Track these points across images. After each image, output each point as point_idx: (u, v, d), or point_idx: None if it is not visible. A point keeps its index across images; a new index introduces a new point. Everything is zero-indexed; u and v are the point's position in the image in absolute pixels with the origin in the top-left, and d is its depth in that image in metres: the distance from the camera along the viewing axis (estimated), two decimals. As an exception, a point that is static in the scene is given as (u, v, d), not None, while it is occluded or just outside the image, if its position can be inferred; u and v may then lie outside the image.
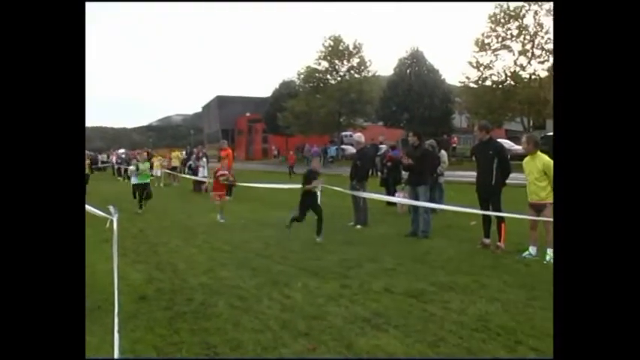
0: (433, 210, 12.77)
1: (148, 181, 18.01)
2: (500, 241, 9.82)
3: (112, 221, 4.94)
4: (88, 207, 4.97)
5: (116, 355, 4.50)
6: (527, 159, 9.34)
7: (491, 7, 44.42)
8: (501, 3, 42.79)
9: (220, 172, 15.34)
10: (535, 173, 9.02)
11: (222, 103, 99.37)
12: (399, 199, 13.99)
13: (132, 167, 19.85)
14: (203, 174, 25.12)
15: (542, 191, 8.91)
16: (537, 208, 9.00)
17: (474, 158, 11.71)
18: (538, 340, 5.26)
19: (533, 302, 6.49)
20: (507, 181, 10.07)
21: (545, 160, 9.02)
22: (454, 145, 50.90)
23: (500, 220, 9.82)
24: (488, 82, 44.53)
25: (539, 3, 41.47)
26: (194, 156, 28.76)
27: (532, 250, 9.07)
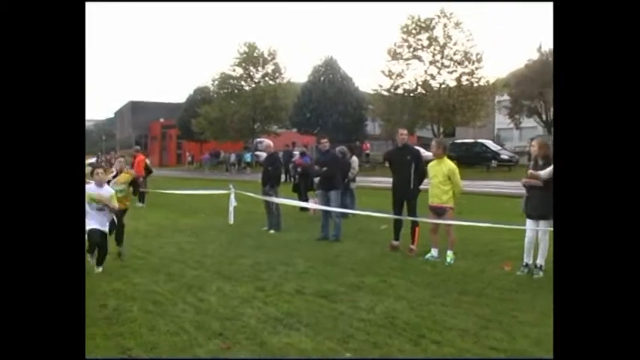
0: (345, 215, 13.15)
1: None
2: (413, 243, 10.21)
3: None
4: None
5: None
6: (432, 163, 9.74)
7: (403, 18, 45.59)
8: (412, 15, 44.15)
9: None
10: (440, 177, 9.41)
11: (135, 108, 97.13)
12: (310, 204, 14.27)
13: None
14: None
15: (445, 195, 9.34)
16: (437, 212, 9.44)
17: (387, 164, 11.99)
18: (439, 334, 5.64)
19: (436, 300, 6.89)
20: (422, 187, 10.45)
21: (450, 165, 9.49)
22: (367, 151, 51.82)
23: (415, 223, 10.23)
24: (400, 91, 45.76)
25: (448, 16, 43.08)
26: (103, 163, 28.09)
27: (434, 252, 9.52)
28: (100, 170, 9.01)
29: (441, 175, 9.43)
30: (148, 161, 24.77)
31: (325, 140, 12.43)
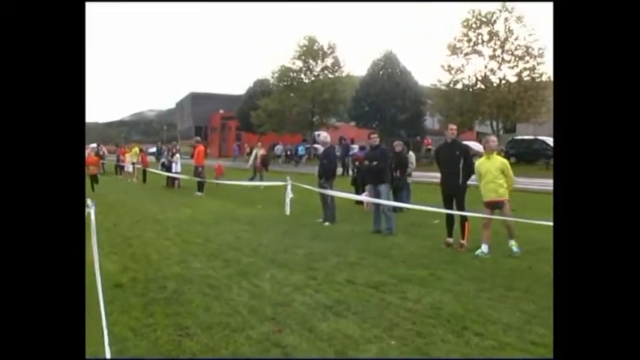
0: (400, 209, 13.32)
1: None
2: (463, 239, 10.27)
3: (89, 213, 4.96)
4: None
5: (106, 338, 4.61)
6: (481, 160, 9.85)
7: (464, 13, 45.05)
8: (474, 8, 43.63)
9: None
10: (493, 172, 9.51)
11: (195, 99, 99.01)
12: (365, 197, 14.48)
13: None
14: (176, 170, 25.44)
15: (501, 188, 9.46)
16: (494, 206, 9.52)
17: (435, 159, 12.04)
18: (482, 326, 5.78)
19: (482, 293, 7.02)
20: (470, 182, 10.50)
21: (501, 159, 9.64)
22: (429, 146, 51.46)
23: (464, 219, 10.31)
24: (459, 86, 45.32)
25: (510, 10, 42.39)
26: (165, 153, 29.20)
27: (484, 248, 9.53)
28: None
29: (494, 170, 9.52)
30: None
31: (375, 135, 12.60)
